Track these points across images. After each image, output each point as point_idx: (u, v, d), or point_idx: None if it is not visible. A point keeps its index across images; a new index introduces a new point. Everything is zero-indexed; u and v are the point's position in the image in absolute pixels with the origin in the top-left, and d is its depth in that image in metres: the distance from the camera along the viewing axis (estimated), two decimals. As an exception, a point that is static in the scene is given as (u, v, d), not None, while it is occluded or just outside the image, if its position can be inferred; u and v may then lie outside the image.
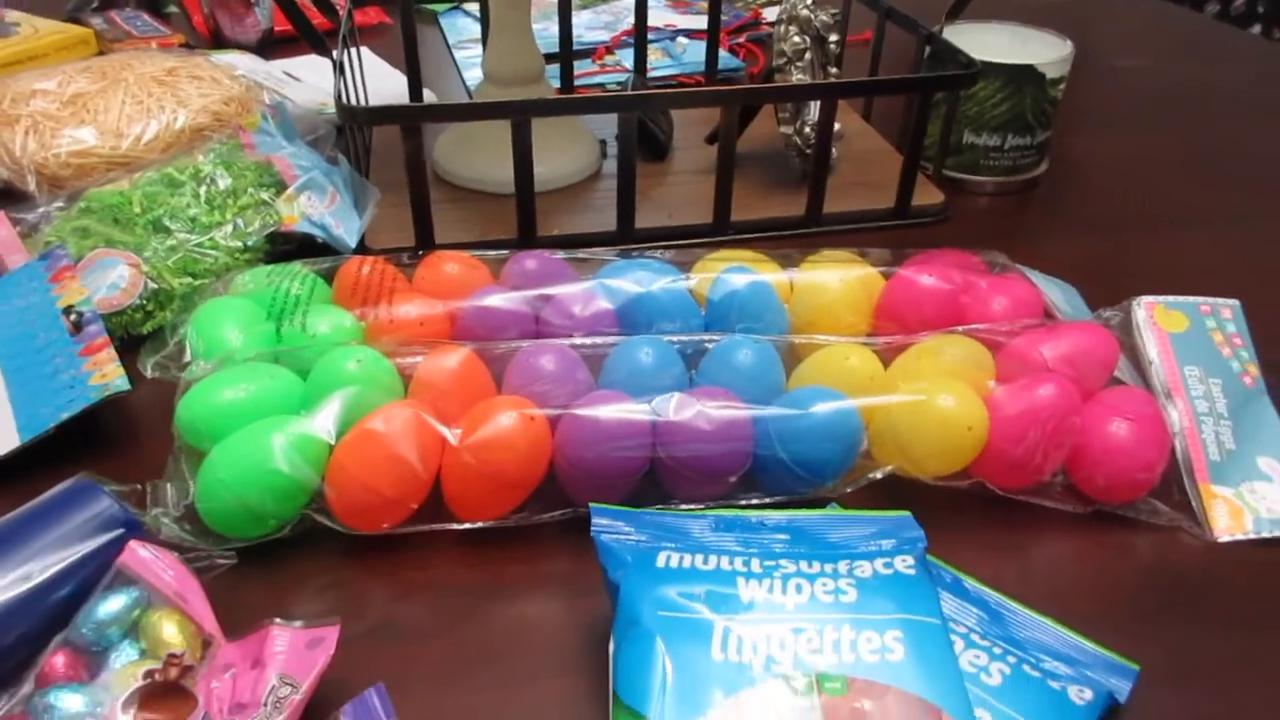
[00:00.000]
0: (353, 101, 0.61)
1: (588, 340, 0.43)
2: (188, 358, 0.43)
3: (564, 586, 0.38)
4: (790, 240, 0.61)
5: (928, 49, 0.65)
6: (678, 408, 0.38)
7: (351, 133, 0.61)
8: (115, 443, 0.44)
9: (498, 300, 0.46)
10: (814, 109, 0.66)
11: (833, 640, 0.29)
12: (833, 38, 0.66)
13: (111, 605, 0.32)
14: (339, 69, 0.58)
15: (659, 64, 0.87)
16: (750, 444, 0.38)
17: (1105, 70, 0.90)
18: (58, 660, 0.30)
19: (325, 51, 0.58)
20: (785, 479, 0.39)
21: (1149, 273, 0.58)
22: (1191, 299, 0.46)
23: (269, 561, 0.38)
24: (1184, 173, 0.71)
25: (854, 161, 0.69)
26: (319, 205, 0.55)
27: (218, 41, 0.88)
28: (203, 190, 0.55)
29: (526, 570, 0.38)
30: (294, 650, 0.32)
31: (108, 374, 0.43)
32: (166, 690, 0.30)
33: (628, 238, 0.60)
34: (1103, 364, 0.43)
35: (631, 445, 0.38)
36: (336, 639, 0.32)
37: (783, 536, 0.34)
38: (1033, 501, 0.41)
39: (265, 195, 0.56)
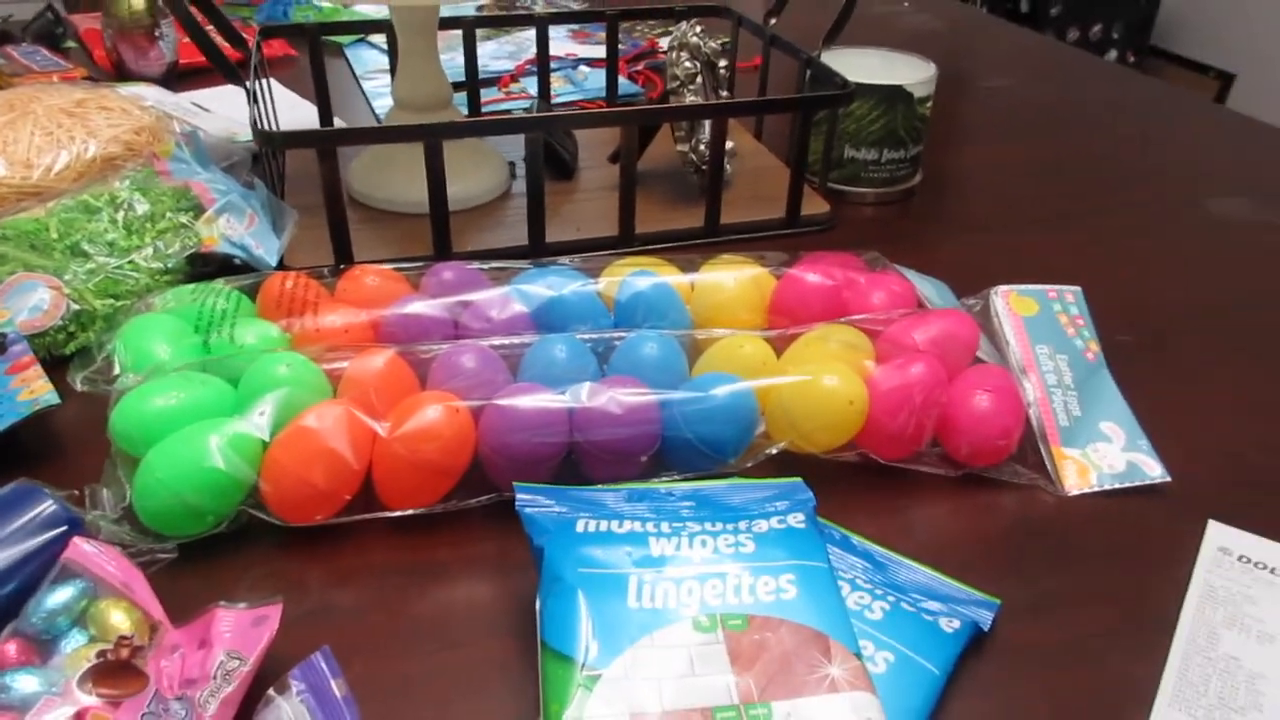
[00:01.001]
0: (268, 128, 0.64)
1: (505, 340, 0.46)
2: (116, 371, 0.45)
3: (491, 565, 0.41)
4: (691, 250, 0.66)
5: (808, 72, 0.71)
6: (591, 395, 0.42)
7: (267, 157, 0.63)
8: (48, 454, 0.46)
9: (419, 307, 0.49)
10: (707, 128, 0.71)
11: (734, 585, 0.33)
12: (722, 63, 0.71)
13: (60, 596, 0.33)
14: (252, 97, 0.60)
15: (562, 90, 0.91)
16: (658, 426, 0.42)
17: (973, 91, 0.98)
18: (9, 648, 0.32)
19: (238, 80, 0.60)
20: (692, 457, 0.43)
21: (1008, 267, 0.65)
22: (1040, 287, 0.52)
23: (208, 556, 0.40)
24: (1040, 180, 0.78)
25: (747, 177, 0.74)
26: (238, 227, 0.57)
27: (121, 74, 0.88)
28: (120, 215, 0.56)
29: (456, 552, 0.41)
30: (239, 629, 0.34)
31: (36, 390, 0.44)
32: (118, 669, 0.32)
33: (539, 251, 0.64)
34: (966, 346, 0.48)
35: (550, 431, 0.41)
36: (279, 616, 0.34)
37: (688, 504, 0.38)
38: (910, 469, 0.45)
39: (184, 219, 0.57)
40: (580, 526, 0.35)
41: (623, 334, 0.47)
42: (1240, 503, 0.45)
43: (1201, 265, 0.66)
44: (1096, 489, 0.45)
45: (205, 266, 0.58)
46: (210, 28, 0.65)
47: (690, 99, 0.66)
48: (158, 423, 0.41)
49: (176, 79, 0.90)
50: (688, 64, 0.66)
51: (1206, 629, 0.38)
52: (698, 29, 0.68)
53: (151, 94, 0.80)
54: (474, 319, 0.49)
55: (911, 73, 0.72)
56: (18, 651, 0.32)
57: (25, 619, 0.33)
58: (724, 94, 0.71)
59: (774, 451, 0.44)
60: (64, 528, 0.35)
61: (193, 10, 0.59)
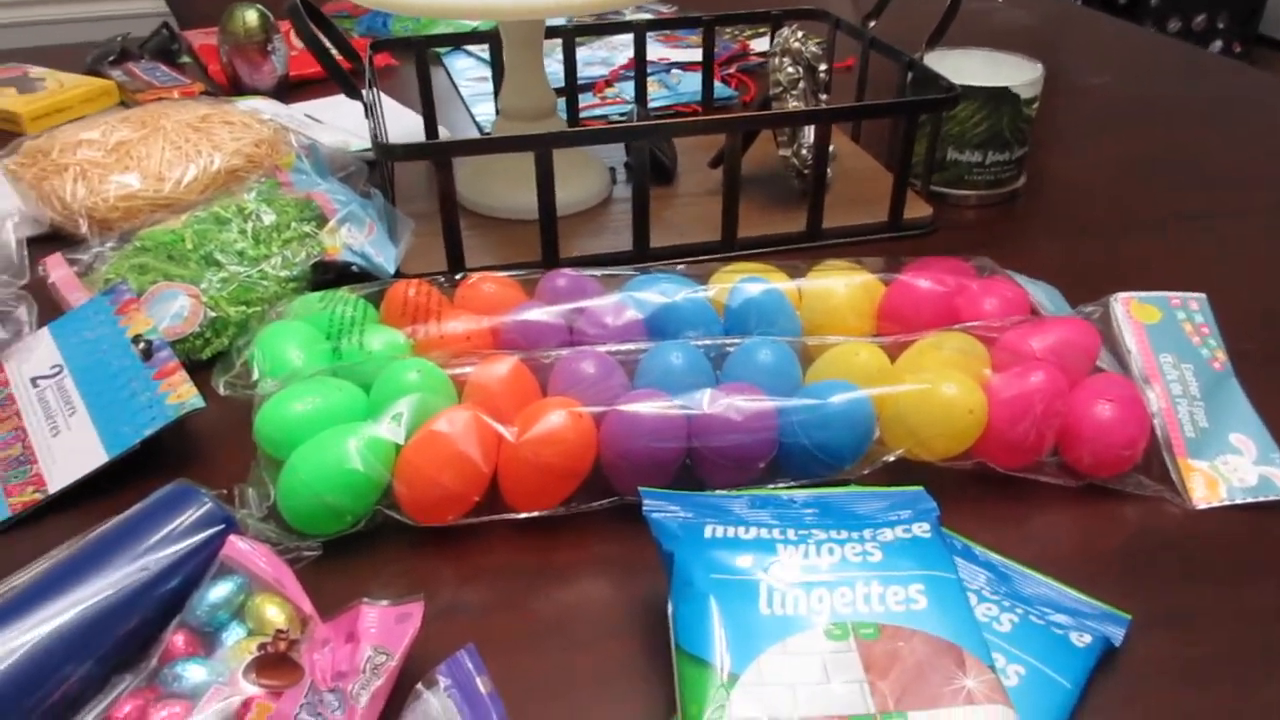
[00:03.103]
0: (382, 139, 0.66)
1: (621, 346, 0.47)
2: (255, 376, 0.47)
3: (614, 567, 0.42)
4: (793, 254, 0.66)
5: (910, 75, 0.70)
6: (710, 402, 0.42)
7: (383, 168, 0.66)
8: (191, 455, 0.48)
9: (536, 314, 0.50)
10: (809, 132, 0.71)
11: (864, 594, 0.33)
12: (822, 67, 0.71)
13: (219, 591, 0.35)
14: (369, 110, 0.62)
15: (657, 95, 0.92)
16: (775, 433, 0.43)
17: (1074, 88, 0.96)
18: (178, 639, 0.34)
19: (357, 95, 0.62)
20: (808, 464, 0.43)
21: (1120, 271, 0.63)
22: (1162, 294, 0.51)
23: (346, 554, 0.42)
24: (1149, 180, 0.76)
25: (846, 179, 0.74)
26: (358, 236, 0.59)
27: (235, 88, 0.92)
28: (249, 226, 0.59)
29: (578, 554, 0.42)
30: (384, 624, 0.35)
31: (182, 394, 0.47)
32: (277, 661, 0.34)
33: (643, 256, 0.65)
34: (1086, 354, 0.47)
35: (670, 437, 0.42)
36: (421, 613, 0.36)
37: (812, 511, 0.38)
38: (1029, 478, 0.45)
39: (307, 228, 0.60)
40: (708, 532, 0.36)
41: (735, 340, 0.48)
42: (1381, 518, 0.43)
43: (1328, 268, 0.63)
44: (1226, 503, 0.44)
45: (325, 274, 0.60)
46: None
47: (793, 104, 0.66)
48: (298, 426, 0.43)
49: (287, 91, 0.94)
50: (790, 69, 0.66)
51: (1350, 649, 0.37)
52: (799, 34, 0.68)
53: (267, 107, 0.84)
54: (589, 325, 0.50)
55: (1017, 73, 0.70)
56: (185, 643, 0.34)
57: (190, 612, 0.35)
58: (824, 98, 0.71)
59: (891, 459, 0.44)
60: (221, 526, 0.37)
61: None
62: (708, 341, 0.48)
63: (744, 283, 0.52)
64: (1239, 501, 0.44)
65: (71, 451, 0.46)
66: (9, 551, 0.43)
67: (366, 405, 0.45)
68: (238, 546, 0.37)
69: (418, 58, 0.77)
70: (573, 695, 0.36)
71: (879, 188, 0.72)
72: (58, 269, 0.59)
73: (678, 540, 0.35)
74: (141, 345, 0.50)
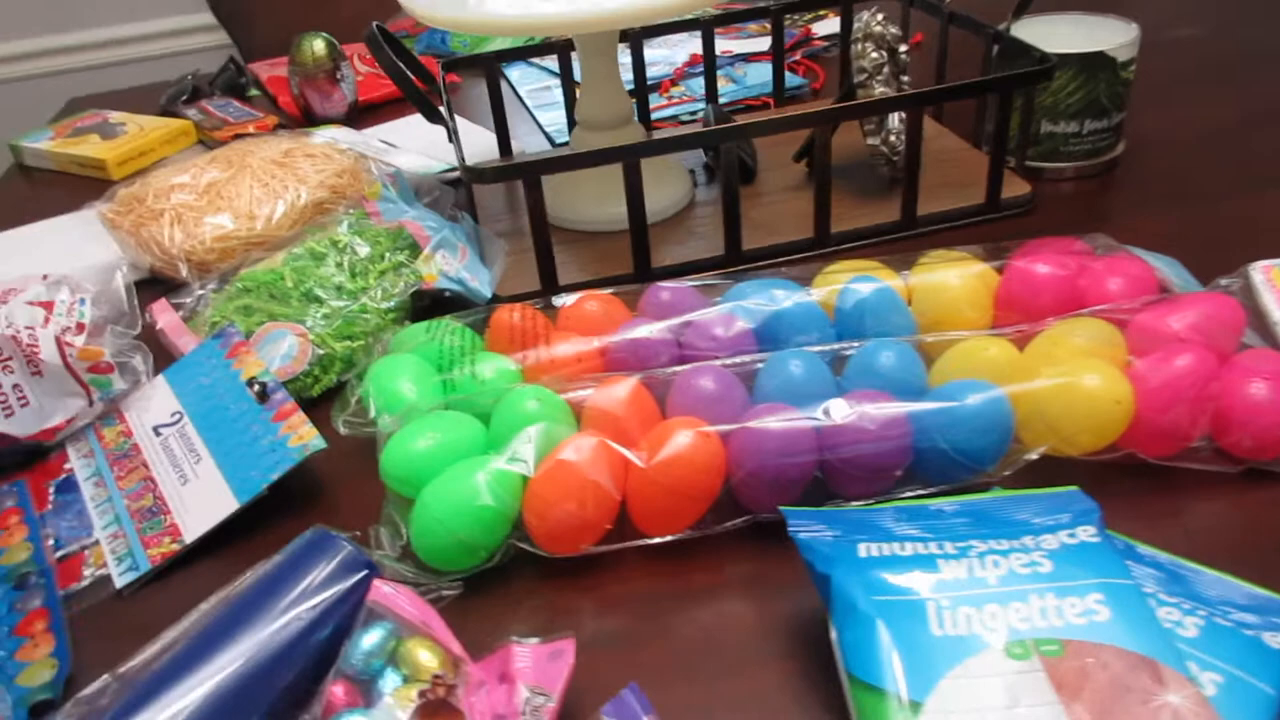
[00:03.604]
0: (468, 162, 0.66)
1: (735, 359, 0.46)
2: (372, 413, 0.47)
3: (754, 586, 0.41)
4: (890, 245, 0.64)
5: (996, 47, 0.68)
6: (840, 411, 0.41)
7: (467, 189, 0.65)
8: (314, 494, 0.48)
9: (644, 331, 0.49)
10: (895, 118, 0.69)
11: (1039, 608, 0.32)
12: (903, 48, 0.69)
13: (371, 639, 0.35)
14: (451, 133, 0.62)
15: (725, 90, 0.91)
16: (910, 439, 0.41)
17: (1159, 44, 0.92)
18: (338, 690, 0.34)
19: (438, 118, 0.62)
20: (947, 468, 0.42)
21: (1242, 237, 0.60)
22: (1308, 258, 0.48)
23: (481, 591, 0.41)
24: (1254, 135, 0.73)
25: (934, 162, 0.72)
26: (453, 262, 0.59)
27: (308, 118, 0.93)
28: (345, 259, 0.59)
29: (716, 575, 0.41)
30: (537, 663, 0.35)
31: (303, 435, 0.47)
32: (439, 707, 0.33)
33: (736, 260, 0.63)
34: (1232, 329, 0.45)
35: (800, 451, 0.41)
36: (573, 650, 0.35)
37: (964, 521, 0.36)
38: (1182, 466, 0.43)
39: (401, 257, 0.60)
40: (863, 551, 0.34)
41: (852, 345, 0.46)
42: None
43: None
44: (1401, 479, 0.41)
45: (421, 301, 0.60)
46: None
47: (879, 90, 0.64)
48: (424, 463, 0.42)
49: (357, 116, 0.94)
50: (874, 54, 0.64)
51: None
52: (879, 16, 0.66)
53: (342, 135, 0.84)
54: (699, 338, 0.49)
55: (1111, 35, 0.67)
56: (345, 694, 0.34)
57: (345, 661, 0.35)
58: (906, 80, 0.69)
59: (1033, 457, 0.42)
60: (365, 571, 0.37)
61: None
62: (824, 347, 0.46)
63: (854, 283, 0.50)
64: None
65: (202, 499, 0.46)
66: (152, 604, 0.43)
67: (486, 436, 0.44)
68: (383, 591, 0.36)
69: (488, 74, 0.77)
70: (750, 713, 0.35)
71: (970, 168, 0.70)
72: (164, 315, 0.60)
73: (832, 562, 0.34)
74: (256, 388, 0.51)
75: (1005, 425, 0.41)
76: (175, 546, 0.45)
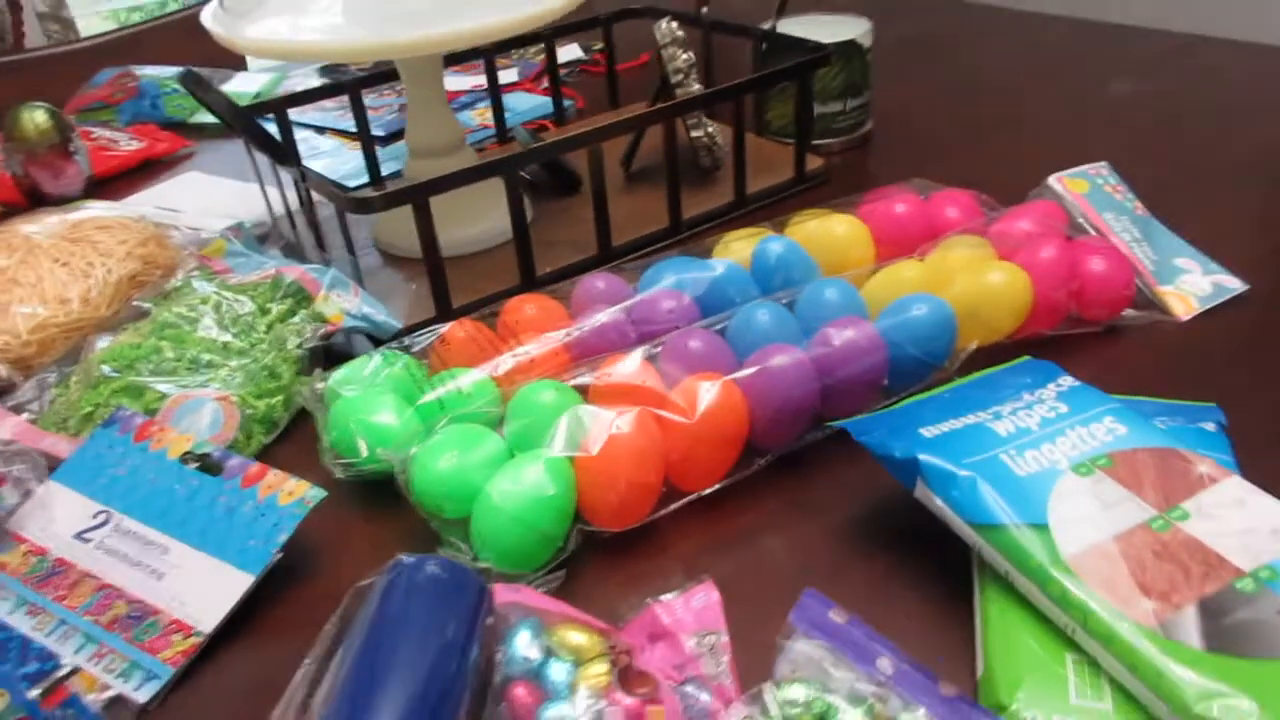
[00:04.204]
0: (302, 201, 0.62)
1: (703, 322, 0.50)
2: (364, 453, 0.44)
3: (799, 511, 0.44)
4: (732, 222, 0.71)
5: (764, 45, 0.78)
6: (830, 340, 0.46)
7: (343, 225, 0.61)
8: (306, 548, 0.44)
9: (603, 318, 0.51)
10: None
11: (1078, 436, 0.39)
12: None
13: (523, 639, 0.34)
14: (301, 176, 0.59)
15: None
16: (886, 350, 0.47)
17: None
18: (519, 691, 0.32)
19: (291, 157, 0.58)
20: (916, 370, 0.48)
21: (992, 169, 0.74)
22: (1080, 168, 0.61)
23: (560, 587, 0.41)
24: (963, 99, 0.90)
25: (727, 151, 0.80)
26: (351, 300, 0.56)
27: (37, 200, 0.81)
28: (224, 319, 0.54)
29: (760, 513, 0.44)
30: (687, 612, 0.36)
31: (294, 490, 0.43)
32: (629, 674, 0.33)
33: (609, 256, 0.67)
34: (1060, 225, 0.56)
35: (809, 381, 0.45)
36: (715, 588, 0.36)
37: (975, 396, 0.43)
38: (1063, 334, 0.53)
39: (288, 305, 0.56)
40: (927, 434, 0.40)
41: (795, 290, 0.52)
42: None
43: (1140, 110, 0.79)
44: (1199, 310, 0.55)
45: (316, 344, 0.56)
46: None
47: (696, 86, 0.71)
48: (456, 480, 0.41)
49: (94, 190, 0.84)
50: (684, 56, 0.71)
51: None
52: (674, 24, 0.73)
53: (101, 208, 0.75)
54: (652, 315, 0.52)
55: (851, 27, 0.80)
56: (528, 693, 0.33)
57: (510, 666, 0.33)
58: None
59: (973, 348, 0.50)
60: (478, 583, 0.36)
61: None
62: (773, 298, 0.51)
63: (765, 244, 0.56)
64: (1209, 306, 0.55)
65: (198, 587, 0.40)
66: (185, 711, 0.37)
67: (504, 439, 0.44)
68: (508, 595, 0.35)
69: (279, 120, 0.73)
70: (879, 603, 0.39)
71: (763, 152, 0.79)
72: (7, 421, 0.50)
73: (911, 447, 0.39)
74: (196, 463, 0.45)
75: (952, 325, 0.49)
76: (195, 640, 0.39)
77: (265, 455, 0.50)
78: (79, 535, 0.44)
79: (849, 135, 0.82)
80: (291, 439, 0.52)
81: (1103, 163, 0.62)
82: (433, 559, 0.36)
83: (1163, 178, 0.69)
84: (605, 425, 0.42)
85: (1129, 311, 0.54)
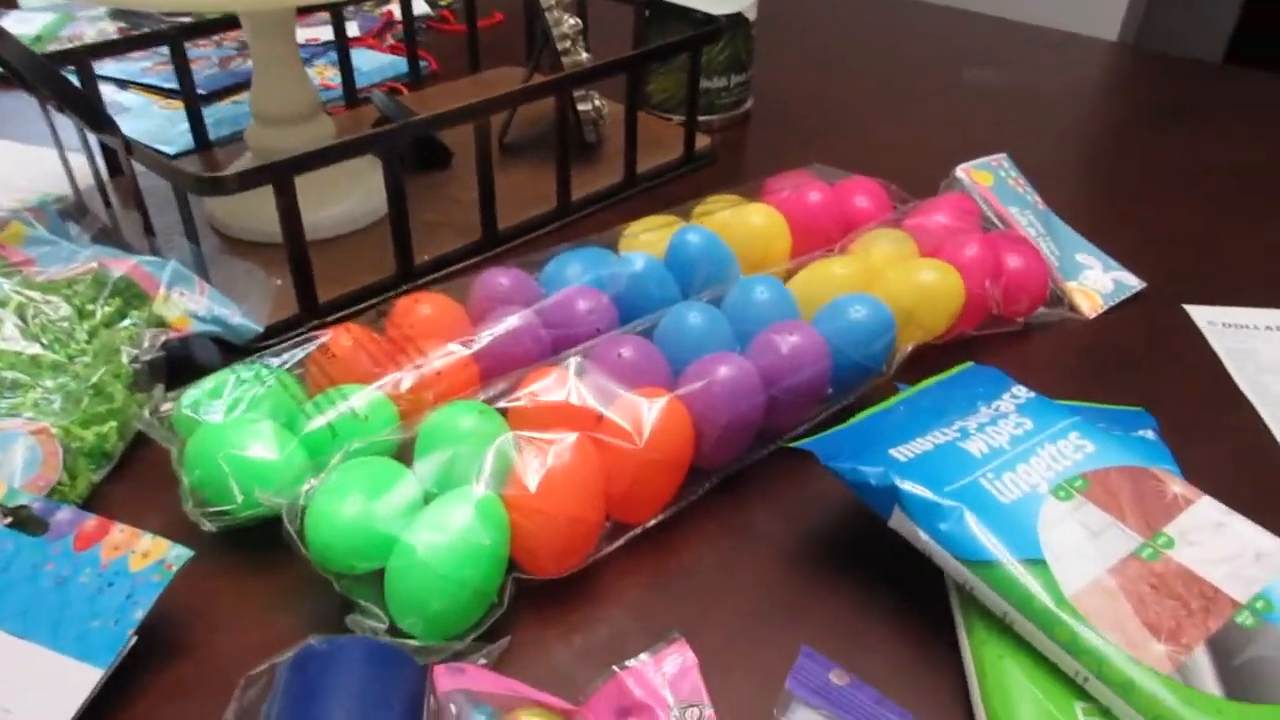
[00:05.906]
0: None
1: (627, 327, 0.45)
2: (238, 499, 0.36)
3: (744, 536, 0.40)
4: (622, 204, 0.66)
5: (648, 14, 0.72)
6: (778, 347, 0.42)
7: (183, 208, 0.51)
8: (169, 619, 0.36)
9: (515, 321, 0.45)
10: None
11: (1049, 456, 0.37)
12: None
13: (477, 732, 0.28)
14: (125, 147, 0.49)
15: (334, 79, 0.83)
16: (830, 357, 0.44)
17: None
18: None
19: (109, 124, 0.48)
20: (855, 376, 0.45)
21: (876, 150, 0.73)
22: (984, 159, 0.60)
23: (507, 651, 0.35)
24: (835, 78, 0.88)
25: (616, 124, 0.74)
26: (199, 300, 0.47)
27: None
28: (31, 326, 0.44)
29: (713, 541, 0.40)
30: (662, 679, 0.31)
31: (150, 551, 0.34)
32: (610, 768, 0.28)
33: (493, 242, 0.60)
34: (975, 219, 0.55)
35: (756, 393, 0.41)
36: (688, 648, 0.32)
37: (927, 409, 0.40)
38: (985, 333, 0.52)
39: (114, 306, 0.46)
40: (900, 455, 0.36)
41: (721, 288, 0.47)
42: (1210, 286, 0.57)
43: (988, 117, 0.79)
44: (1105, 307, 0.55)
45: (155, 353, 0.47)
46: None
47: (584, 55, 0.65)
48: (364, 530, 0.34)
49: None
50: (570, 21, 0.64)
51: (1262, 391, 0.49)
52: (558, -13, 0.66)
53: None
54: (567, 318, 0.46)
55: (736, 1, 0.76)
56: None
57: (466, 770, 0.27)
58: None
59: (909, 350, 0.47)
60: (415, 669, 0.29)
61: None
62: (699, 298, 0.47)
63: (684, 234, 0.51)
64: (1113, 303, 0.55)
65: (25, 689, 0.32)
66: None
67: (420, 476, 0.37)
68: (450, 680, 0.29)
69: (80, 73, 0.61)
70: (854, 645, 0.35)
71: (649, 129, 0.74)
72: None
73: (887, 473, 0.35)
74: (9, 519, 0.36)
75: (891, 327, 0.46)
76: (31, 759, 0.30)
77: (99, 499, 0.40)
78: None
79: (730, 113, 0.79)
80: (130, 473, 0.43)
81: (1003, 154, 0.62)
82: (353, 642, 0.29)
83: (1049, 170, 0.70)
84: (541, 456, 0.36)
85: (1042, 309, 0.54)
